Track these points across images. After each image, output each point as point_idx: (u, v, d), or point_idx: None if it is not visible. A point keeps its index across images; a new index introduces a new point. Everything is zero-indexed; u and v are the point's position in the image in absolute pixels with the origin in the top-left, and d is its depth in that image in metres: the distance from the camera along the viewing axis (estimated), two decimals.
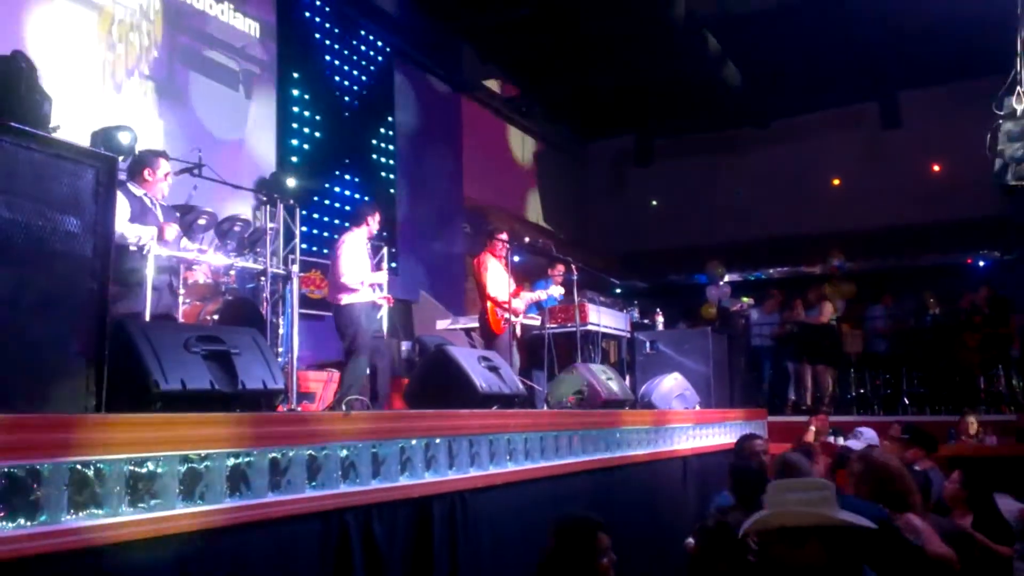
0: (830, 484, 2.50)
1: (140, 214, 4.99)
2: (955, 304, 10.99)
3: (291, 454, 2.88)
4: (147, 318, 4.59)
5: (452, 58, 12.54)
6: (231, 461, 2.65)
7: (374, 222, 6.74)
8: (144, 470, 2.38)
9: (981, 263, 13.68)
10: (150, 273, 4.74)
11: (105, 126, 5.76)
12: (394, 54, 11.21)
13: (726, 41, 11.91)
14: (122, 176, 5.20)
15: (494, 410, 4.42)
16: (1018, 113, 5.96)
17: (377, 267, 7.25)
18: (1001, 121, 5.98)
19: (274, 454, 2.81)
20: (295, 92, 9.53)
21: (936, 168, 13.83)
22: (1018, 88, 5.97)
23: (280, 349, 6.77)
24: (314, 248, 9.20)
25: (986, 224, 12.61)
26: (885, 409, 10.71)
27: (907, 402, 10.74)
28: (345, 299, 6.42)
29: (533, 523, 4.13)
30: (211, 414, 2.77)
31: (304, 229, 8.78)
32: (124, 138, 5.67)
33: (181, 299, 5.28)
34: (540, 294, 7.89)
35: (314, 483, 2.95)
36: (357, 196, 9.98)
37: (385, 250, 9.20)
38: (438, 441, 3.61)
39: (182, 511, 2.45)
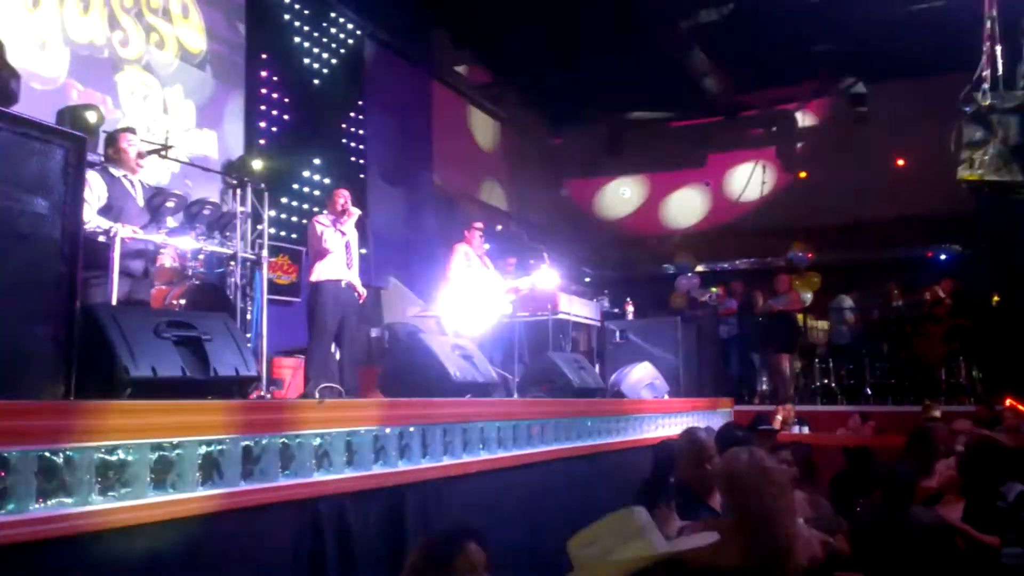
0: (637, 509, 2.16)
1: (119, 198, 4.89)
2: (918, 296, 11.17)
3: (264, 442, 2.83)
4: (114, 303, 4.51)
5: (424, 42, 12.42)
6: (203, 449, 2.60)
7: (331, 203, 6.64)
8: (114, 458, 2.33)
9: (943, 256, 13.90)
10: (116, 257, 4.64)
11: (71, 105, 5.64)
12: (365, 36, 11.08)
13: (697, 34, 11.93)
14: (99, 157, 5.11)
15: (468, 399, 4.40)
16: (981, 110, 6.03)
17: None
18: (965, 118, 6.04)
19: (247, 442, 2.77)
20: (264, 73, 9.38)
21: (901, 162, 14.00)
22: (983, 85, 6.04)
23: (248, 335, 6.69)
24: (282, 233, 9.09)
25: (949, 219, 12.79)
26: (849, 399, 10.86)
27: (870, 392, 10.91)
28: (312, 276, 6.41)
29: (506, 512, 4.15)
30: (183, 401, 2.73)
31: (272, 214, 8.65)
32: (91, 116, 5.56)
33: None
34: (523, 282, 7.86)
35: (287, 472, 2.91)
36: (327, 181, 9.86)
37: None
38: (412, 430, 3.59)
39: (153, 500, 2.40)
